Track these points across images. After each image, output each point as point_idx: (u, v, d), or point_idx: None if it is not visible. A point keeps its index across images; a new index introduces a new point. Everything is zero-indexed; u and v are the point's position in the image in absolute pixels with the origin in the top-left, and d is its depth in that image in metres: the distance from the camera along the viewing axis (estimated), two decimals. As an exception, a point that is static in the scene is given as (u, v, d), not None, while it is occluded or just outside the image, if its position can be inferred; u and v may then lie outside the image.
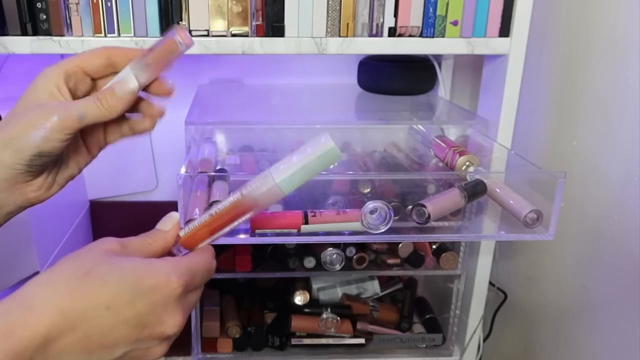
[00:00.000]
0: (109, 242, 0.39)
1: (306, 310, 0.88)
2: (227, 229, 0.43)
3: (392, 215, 0.61)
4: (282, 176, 0.41)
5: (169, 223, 0.44)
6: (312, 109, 0.92)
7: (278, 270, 0.82)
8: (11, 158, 0.42)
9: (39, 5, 0.66)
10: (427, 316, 0.93)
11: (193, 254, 0.42)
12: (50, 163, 0.45)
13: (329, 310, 0.86)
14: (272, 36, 0.70)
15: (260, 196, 0.41)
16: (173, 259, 0.41)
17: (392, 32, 0.72)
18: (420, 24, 0.72)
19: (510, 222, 0.65)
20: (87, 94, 0.48)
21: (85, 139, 0.49)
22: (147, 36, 0.69)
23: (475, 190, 0.65)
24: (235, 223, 0.42)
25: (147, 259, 0.38)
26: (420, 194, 0.70)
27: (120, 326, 0.35)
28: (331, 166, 0.42)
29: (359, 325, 0.88)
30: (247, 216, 0.42)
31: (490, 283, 0.89)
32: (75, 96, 0.46)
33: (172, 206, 0.60)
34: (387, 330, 0.90)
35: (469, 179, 0.67)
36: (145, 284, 0.36)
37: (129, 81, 0.46)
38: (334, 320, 0.85)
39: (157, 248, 0.42)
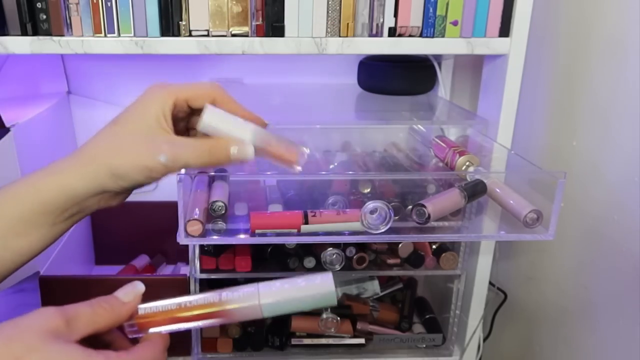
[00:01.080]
0: (51, 320, 0.35)
1: (306, 310, 0.88)
2: (188, 325, 0.40)
3: (392, 215, 0.61)
4: (269, 300, 0.38)
5: (130, 294, 0.40)
6: (312, 109, 0.92)
7: (278, 270, 0.82)
8: (111, 182, 0.43)
9: (39, 5, 0.66)
10: (427, 316, 0.93)
11: (141, 346, 0.39)
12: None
13: (329, 310, 0.86)
14: (272, 36, 0.70)
15: (238, 310, 0.39)
16: (116, 353, 0.37)
17: (392, 32, 0.72)
18: (420, 24, 0.72)
19: (510, 222, 0.65)
20: (183, 122, 0.48)
21: None
22: (147, 36, 0.69)
23: (475, 190, 0.65)
24: (200, 323, 0.40)
25: (85, 352, 0.34)
26: (420, 194, 0.70)
27: None
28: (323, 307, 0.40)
29: (359, 325, 0.88)
30: (215, 322, 0.40)
31: (490, 283, 0.89)
32: (174, 123, 0.46)
33: (172, 206, 0.60)
34: (387, 330, 0.90)
35: (469, 179, 0.67)
36: None
37: (247, 150, 0.45)
38: (334, 320, 0.85)
39: (108, 322, 0.38)
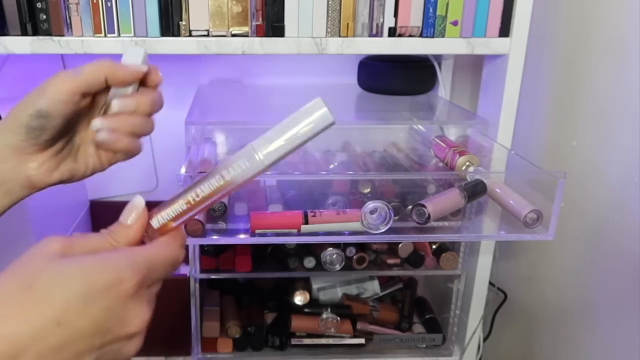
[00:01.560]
0: (52, 244, 0.34)
1: (306, 310, 0.88)
2: (199, 211, 0.39)
3: (392, 215, 0.61)
4: (267, 149, 0.37)
5: (132, 214, 0.38)
6: (312, 109, 0.92)
7: (278, 270, 0.82)
8: (13, 121, 0.43)
9: (39, 5, 0.66)
10: (427, 316, 0.93)
11: (155, 243, 0.38)
12: (53, 134, 0.44)
13: (329, 310, 0.86)
14: (272, 36, 0.70)
15: (242, 177, 0.37)
16: (129, 249, 0.36)
17: (392, 32, 0.72)
18: (420, 24, 0.72)
19: (510, 222, 0.65)
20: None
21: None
22: (147, 36, 0.69)
23: (475, 190, 0.65)
24: (208, 203, 0.38)
25: (97, 255, 0.34)
26: (420, 194, 0.70)
27: (77, 339, 0.31)
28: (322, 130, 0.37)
29: (359, 325, 0.88)
30: (223, 196, 0.39)
31: (490, 283, 0.89)
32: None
33: (172, 206, 0.60)
34: (387, 330, 0.90)
35: (469, 179, 0.67)
36: (96, 287, 0.31)
37: (143, 67, 0.45)
38: (334, 320, 0.85)
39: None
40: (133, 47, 0.44)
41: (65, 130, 0.45)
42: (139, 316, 0.33)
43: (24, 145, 0.44)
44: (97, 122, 0.44)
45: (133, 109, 0.45)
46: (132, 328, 0.33)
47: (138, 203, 0.39)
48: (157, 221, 0.39)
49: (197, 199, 0.38)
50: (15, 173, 0.44)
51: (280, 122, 0.37)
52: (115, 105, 0.45)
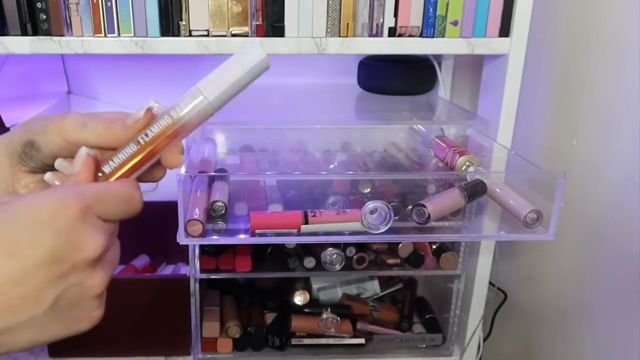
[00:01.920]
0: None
1: (306, 310, 0.88)
2: (154, 159, 0.39)
3: (392, 215, 0.61)
4: (211, 88, 0.39)
5: (77, 162, 0.39)
6: (312, 109, 0.92)
7: (278, 270, 0.82)
8: (15, 137, 0.43)
9: (39, 5, 0.66)
10: (427, 316, 0.93)
11: (106, 182, 0.38)
12: (42, 165, 0.43)
13: (329, 310, 0.86)
14: (272, 36, 0.70)
15: (190, 115, 0.38)
16: (75, 183, 0.37)
17: (392, 32, 0.72)
18: (420, 24, 0.72)
19: (510, 222, 0.65)
20: None
21: None
22: (147, 36, 0.69)
23: (475, 190, 0.65)
24: (159, 144, 0.39)
25: (40, 191, 0.34)
26: (420, 194, 0.70)
27: (32, 271, 0.31)
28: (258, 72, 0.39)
29: (359, 325, 0.88)
30: (175, 141, 0.39)
31: (490, 283, 0.89)
32: None
33: (172, 206, 0.60)
34: (387, 330, 0.90)
35: (469, 179, 0.67)
36: (43, 215, 0.31)
37: (140, 112, 0.41)
38: (334, 320, 0.85)
39: None
40: (148, 102, 0.42)
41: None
42: (92, 241, 0.33)
43: (18, 161, 0.43)
44: (48, 176, 0.43)
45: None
46: (87, 252, 0.32)
47: (82, 151, 0.39)
48: (109, 166, 0.39)
49: (146, 139, 0.38)
50: (6, 184, 0.44)
51: (221, 65, 0.39)
52: (60, 167, 0.42)
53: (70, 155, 0.42)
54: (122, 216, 0.37)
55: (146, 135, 0.39)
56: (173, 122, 0.38)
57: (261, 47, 0.39)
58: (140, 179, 0.43)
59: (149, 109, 0.40)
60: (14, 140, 0.43)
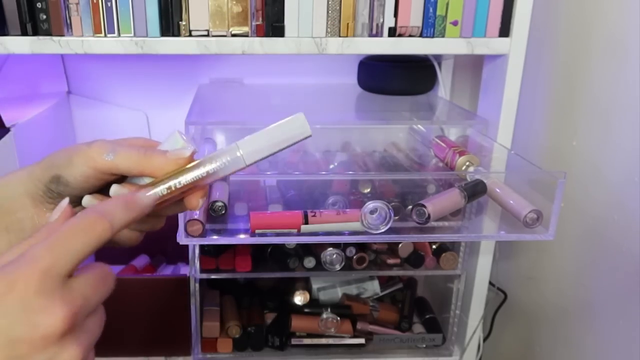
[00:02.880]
0: None
1: (306, 310, 0.88)
2: (172, 199, 0.40)
3: (392, 215, 0.61)
4: (251, 156, 0.40)
5: (56, 211, 0.36)
6: (312, 109, 0.92)
7: (278, 270, 0.82)
8: (37, 174, 0.41)
9: (39, 5, 0.66)
10: (427, 316, 0.93)
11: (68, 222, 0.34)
12: (71, 199, 0.40)
13: (329, 310, 0.86)
14: (272, 36, 0.70)
15: (223, 172, 0.40)
16: (35, 244, 0.32)
17: (392, 32, 0.72)
18: (420, 24, 0.72)
19: (510, 222, 0.64)
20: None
21: None
22: (147, 36, 0.69)
23: (475, 190, 0.65)
24: (184, 191, 0.40)
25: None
26: (420, 194, 0.70)
27: None
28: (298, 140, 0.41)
29: (359, 325, 0.88)
30: (199, 187, 0.41)
31: (490, 283, 0.89)
32: None
33: (172, 206, 0.60)
34: (387, 330, 0.90)
35: (469, 179, 0.67)
36: None
37: (185, 151, 0.41)
38: (334, 320, 0.85)
39: None
40: (173, 134, 0.43)
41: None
42: (50, 316, 0.29)
43: (42, 199, 0.41)
44: (86, 200, 0.41)
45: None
46: (46, 329, 0.29)
47: (63, 202, 0.37)
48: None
49: (178, 186, 0.40)
50: (32, 224, 0.42)
51: (264, 128, 0.40)
52: (115, 191, 0.41)
53: (100, 186, 0.41)
54: (90, 252, 0.33)
55: (179, 182, 0.39)
56: (206, 176, 0.40)
57: (306, 121, 0.40)
58: (138, 225, 0.43)
59: (193, 153, 0.41)
60: (35, 178, 0.41)
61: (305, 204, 0.68)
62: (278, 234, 0.62)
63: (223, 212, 0.64)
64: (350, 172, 0.81)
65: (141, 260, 1.05)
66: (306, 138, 0.41)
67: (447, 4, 0.71)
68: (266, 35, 0.70)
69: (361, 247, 0.82)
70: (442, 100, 0.96)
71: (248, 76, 1.02)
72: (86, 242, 0.32)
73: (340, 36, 0.71)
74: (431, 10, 0.71)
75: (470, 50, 0.73)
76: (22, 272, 0.29)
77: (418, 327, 0.92)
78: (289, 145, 0.40)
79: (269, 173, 0.83)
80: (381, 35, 0.72)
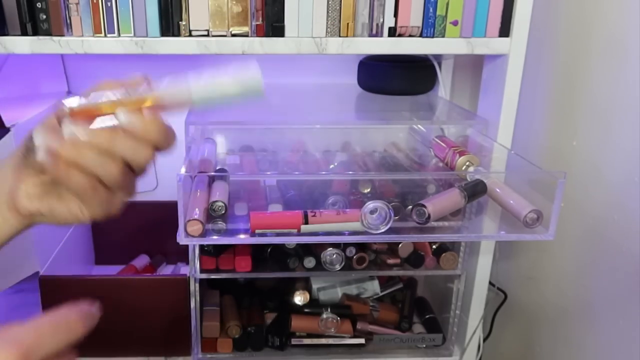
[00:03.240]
0: None
1: (306, 310, 0.88)
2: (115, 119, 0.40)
3: (392, 215, 0.61)
4: (197, 86, 0.40)
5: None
6: (312, 109, 0.92)
7: (278, 270, 0.82)
8: (19, 145, 0.44)
9: (39, 5, 0.66)
10: (427, 316, 0.93)
11: (41, 320, 0.34)
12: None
13: (329, 310, 0.86)
14: (272, 36, 0.70)
15: (169, 96, 0.40)
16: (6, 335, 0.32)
17: (392, 32, 0.72)
18: (420, 24, 0.72)
19: (510, 222, 0.65)
20: None
21: None
22: (147, 36, 0.69)
23: (475, 190, 0.65)
24: (125, 116, 0.40)
25: None
26: (420, 194, 0.70)
27: None
28: (250, 97, 0.40)
29: (359, 325, 0.88)
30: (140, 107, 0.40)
31: (490, 283, 0.89)
32: None
33: (172, 206, 0.60)
34: (387, 330, 0.90)
35: (469, 179, 0.67)
36: None
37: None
38: (334, 320, 0.85)
39: None
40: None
41: None
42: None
43: (21, 165, 0.43)
44: (37, 135, 0.42)
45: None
46: None
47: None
48: (75, 102, 0.40)
49: (124, 99, 0.40)
50: (5, 193, 0.45)
51: (218, 72, 0.40)
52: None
53: None
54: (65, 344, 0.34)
55: (127, 95, 0.40)
56: (150, 97, 0.40)
57: (261, 74, 0.39)
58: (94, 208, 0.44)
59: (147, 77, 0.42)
60: (18, 146, 0.44)
61: (305, 204, 0.68)
62: (278, 234, 0.62)
63: (223, 212, 0.64)
64: (350, 172, 0.81)
65: (141, 260, 1.05)
66: (258, 92, 0.40)
67: (447, 4, 0.71)
68: (266, 35, 0.70)
69: (361, 247, 0.82)
70: (442, 100, 0.96)
71: (248, 76, 1.02)
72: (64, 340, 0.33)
73: (340, 36, 0.71)
74: (431, 10, 0.71)
75: (470, 50, 0.73)
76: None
77: (418, 327, 0.92)
78: (240, 92, 0.40)
79: (269, 173, 0.83)
80: (381, 35, 0.72)
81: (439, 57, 0.95)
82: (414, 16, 0.71)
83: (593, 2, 0.74)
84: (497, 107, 0.77)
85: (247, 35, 0.70)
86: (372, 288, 0.93)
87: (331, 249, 0.80)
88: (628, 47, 0.68)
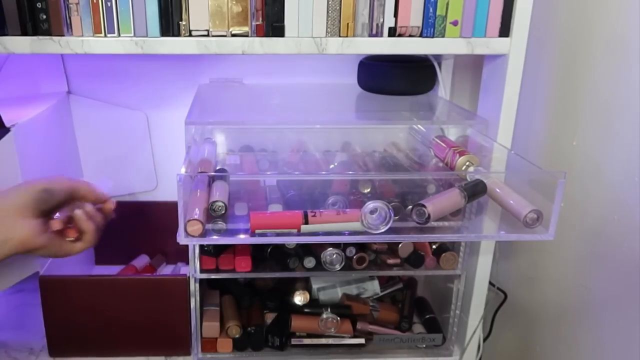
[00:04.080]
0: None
1: (306, 310, 0.88)
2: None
3: (392, 215, 0.61)
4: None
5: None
6: (312, 109, 0.92)
7: (278, 270, 0.82)
8: (25, 189, 0.63)
9: (39, 5, 0.66)
10: (427, 316, 0.93)
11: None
12: (53, 207, 0.66)
13: (329, 310, 0.86)
14: (272, 36, 0.70)
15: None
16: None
17: (392, 32, 0.72)
18: (420, 24, 0.72)
19: (510, 222, 0.65)
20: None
21: None
22: (147, 36, 0.69)
23: (475, 190, 0.65)
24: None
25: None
26: (420, 194, 0.70)
27: None
28: None
29: (359, 325, 0.88)
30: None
31: (490, 283, 0.89)
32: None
33: (172, 206, 0.60)
34: (387, 330, 0.90)
35: (469, 179, 0.67)
36: None
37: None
38: (334, 320, 0.85)
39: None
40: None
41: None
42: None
43: (29, 208, 0.62)
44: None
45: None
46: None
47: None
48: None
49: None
50: (13, 229, 0.61)
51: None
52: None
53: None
54: None
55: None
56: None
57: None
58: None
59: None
60: (26, 191, 0.63)
61: (305, 204, 0.68)
62: (278, 234, 0.62)
63: (223, 212, 0.64)
64: (350, 172, 0.81)
65: (141, 260, 1.05)
66: None
67: (447, 4, 0.71)
68: (266, 35, 0.70)
69: (361, 247, 0.82)
70: (442, 100, 0.96)
71: (248, 76, 1.02)
72: None
73: (340, 36, 0.71)
74: (431, 10, 0.71)
75: (470, 50, 0.73)
76: None
77: (418, 327, 0.92)
78: None
79: (269, 173, 0.83)
80: (381, 35, 0.72)
81: (439, 57, 0.95)
82: (414, 16, 0.71)
83: (593, 1, 0.74)
84: (497, 107, 0.77)
85: (247, 35, 0.70)
86: (372, 288, 0.93)
87: (331, 249, 0.80)
88: (628, 46, 0.68)
